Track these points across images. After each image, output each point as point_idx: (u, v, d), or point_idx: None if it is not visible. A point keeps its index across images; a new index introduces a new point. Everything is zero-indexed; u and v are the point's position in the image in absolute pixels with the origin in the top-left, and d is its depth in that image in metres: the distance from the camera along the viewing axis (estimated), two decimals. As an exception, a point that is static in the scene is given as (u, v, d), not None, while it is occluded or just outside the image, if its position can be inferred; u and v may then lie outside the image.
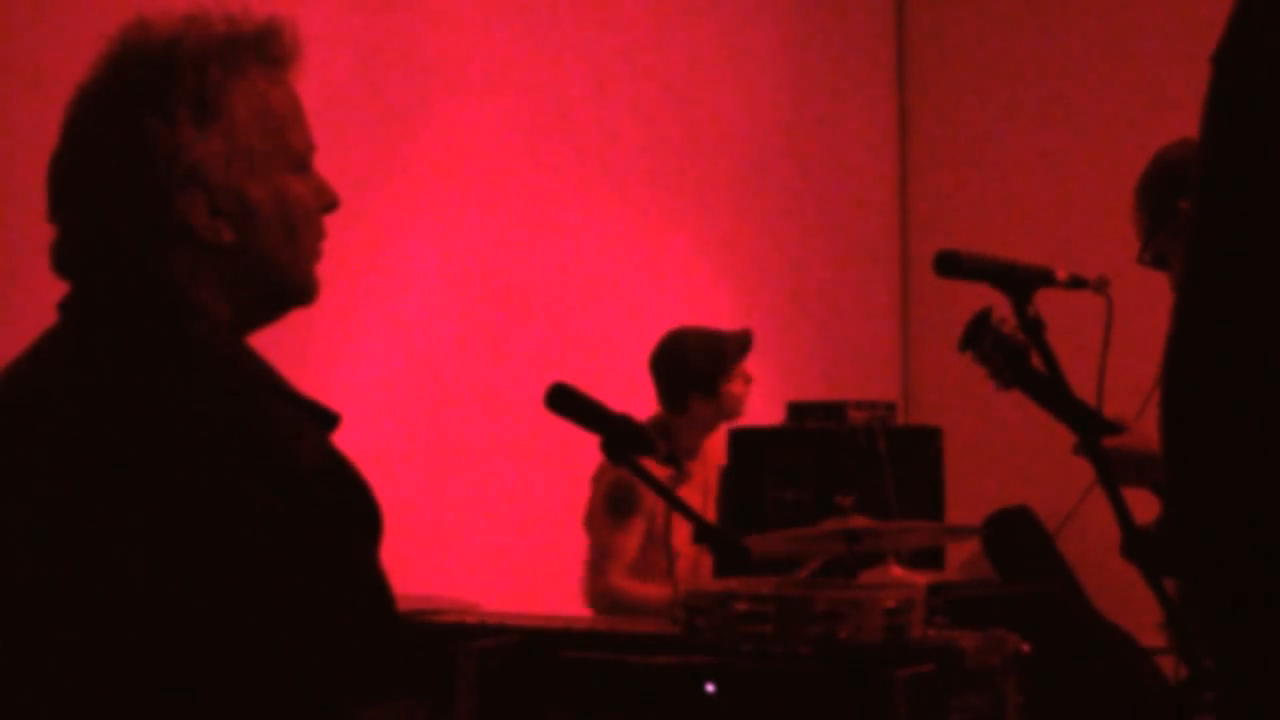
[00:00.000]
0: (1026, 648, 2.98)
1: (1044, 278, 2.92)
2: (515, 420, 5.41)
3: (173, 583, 1.58)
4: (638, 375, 4.98)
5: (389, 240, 5.41)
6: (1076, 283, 3.03)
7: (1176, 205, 3.27)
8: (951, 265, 2.88)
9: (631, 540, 4.70)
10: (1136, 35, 6.83)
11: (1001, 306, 2.88)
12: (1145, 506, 2.82)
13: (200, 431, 1.63)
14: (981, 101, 7.26)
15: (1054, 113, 7.05)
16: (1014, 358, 2.88)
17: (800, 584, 3.41)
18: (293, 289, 1.83)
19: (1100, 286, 3.06)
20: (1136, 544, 2.70)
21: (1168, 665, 3.73)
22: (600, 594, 4.69)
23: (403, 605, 1.76)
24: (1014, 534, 4.21)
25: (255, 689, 1.60)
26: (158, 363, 1.70)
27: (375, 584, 1.68)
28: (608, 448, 2.98)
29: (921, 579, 3.65)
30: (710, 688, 2.92)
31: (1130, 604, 3.69)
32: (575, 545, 4.83)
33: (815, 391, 5.95)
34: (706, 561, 4.70)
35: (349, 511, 1.67)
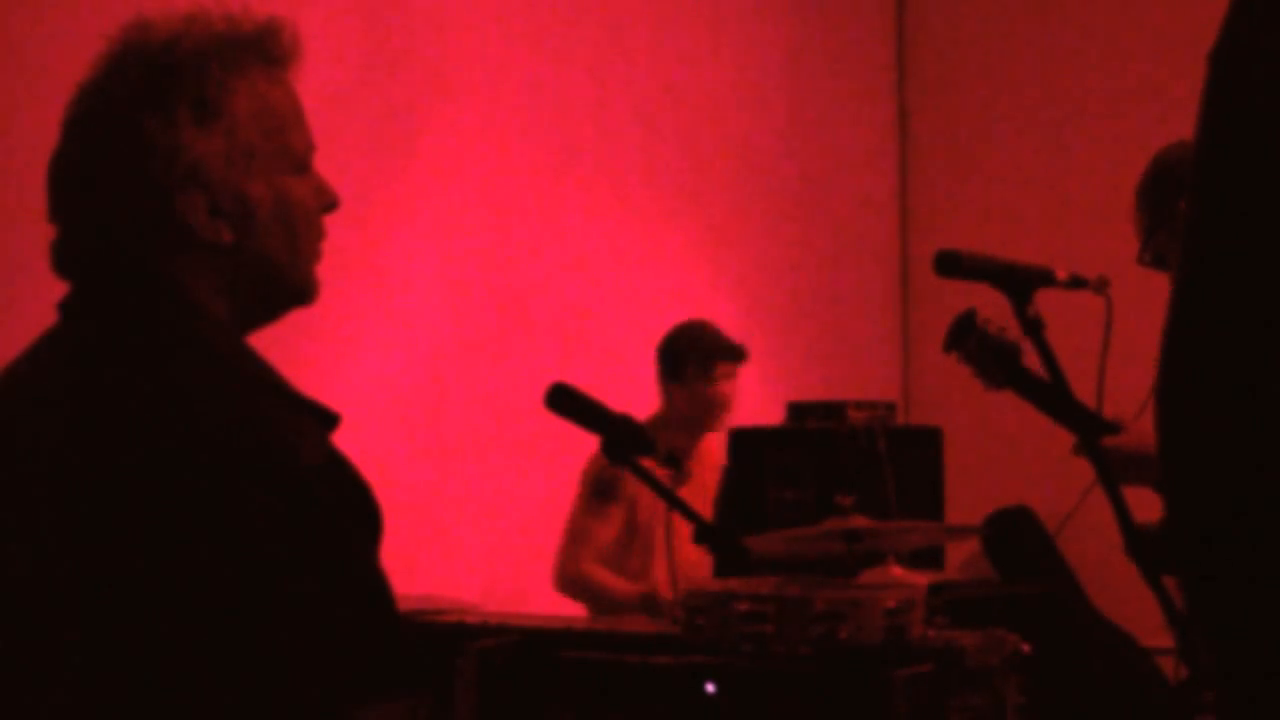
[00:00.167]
0: (1026, 648, 2.98)
1: (1044, 278, 2.92)
2: (515, 420, 5.41)
3: (173, 583, 1.58)
4: (638, 375, 4.98)
5: (389, 240, 5.41)
6: (1076, 283, 3.03)
7: (1176, 205, 3.27)
8: (951, 265, 2.88)
9: (608, 529, 4.74)
10: (1136, 35, 6.83)
11: (1002, 306, 2.88)
12: (1146, 506, 2.82)
13: (200, 431, 1.63)
14: (981, 101, 7.26)
15: (1054, 113, 7.04)
16: (1002, 358, 2.88)
17: (800, 584, 3.40)
18: (293, 289, 1.83)
19: (1100, 286, 3.06)
20: (1137, 543, 2.70)
21: (1168, 665, 3.72)
22: (570, 578, 4.74)
23: (403, 605, 1.75)
24: (1014, 534, 4.20)
25: (255, 689, 1.59)
26: (158, 363, 1.69)
27: (375, 584, 1.68)
28: (608, 448, 2.99)
29: (921, 579, 3.64)
30: (710, 688, 2.92)
31: (1130, 604, 3.68)
32: (575, 545, 4.84)
33: (815, 391, 5.94)
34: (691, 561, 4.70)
35: (349, 511, 1.67)
